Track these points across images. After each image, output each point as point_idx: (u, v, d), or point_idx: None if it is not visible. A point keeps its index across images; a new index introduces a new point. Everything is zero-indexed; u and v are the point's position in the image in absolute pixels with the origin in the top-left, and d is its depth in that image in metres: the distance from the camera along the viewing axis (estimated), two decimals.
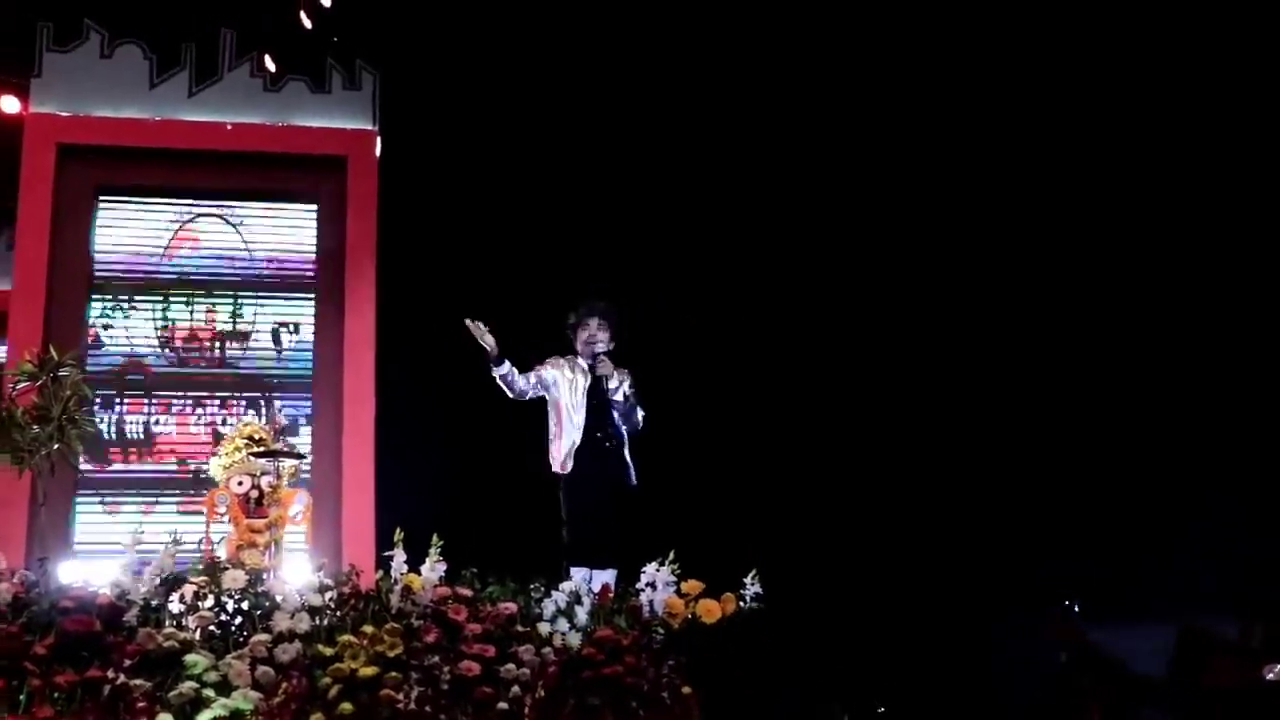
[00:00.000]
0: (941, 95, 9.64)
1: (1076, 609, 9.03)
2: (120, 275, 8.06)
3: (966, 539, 9.53)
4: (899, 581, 9.44)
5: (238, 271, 8.21)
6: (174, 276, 8.13)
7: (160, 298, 8.07)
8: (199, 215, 8.23)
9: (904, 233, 10.00)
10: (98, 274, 8.01)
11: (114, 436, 7.83)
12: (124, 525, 7.39)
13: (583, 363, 6.63)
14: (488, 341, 6.34)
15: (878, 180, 9.95)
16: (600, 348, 6.57)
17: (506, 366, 6.44)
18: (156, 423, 7.92)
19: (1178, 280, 9.71)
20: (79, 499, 7.63)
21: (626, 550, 6.10)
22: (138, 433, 7.89)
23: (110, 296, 8.01)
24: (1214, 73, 9.23)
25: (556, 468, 6.51)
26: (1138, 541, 9.41)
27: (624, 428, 6.55)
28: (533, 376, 6.54)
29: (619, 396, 6.51)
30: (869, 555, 9.50)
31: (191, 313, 8.11)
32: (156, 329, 8.04)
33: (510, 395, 6.55)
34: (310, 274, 8.25)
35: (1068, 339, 9.85)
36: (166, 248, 8.15)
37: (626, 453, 6.54)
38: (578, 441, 6.45)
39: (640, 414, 6.58)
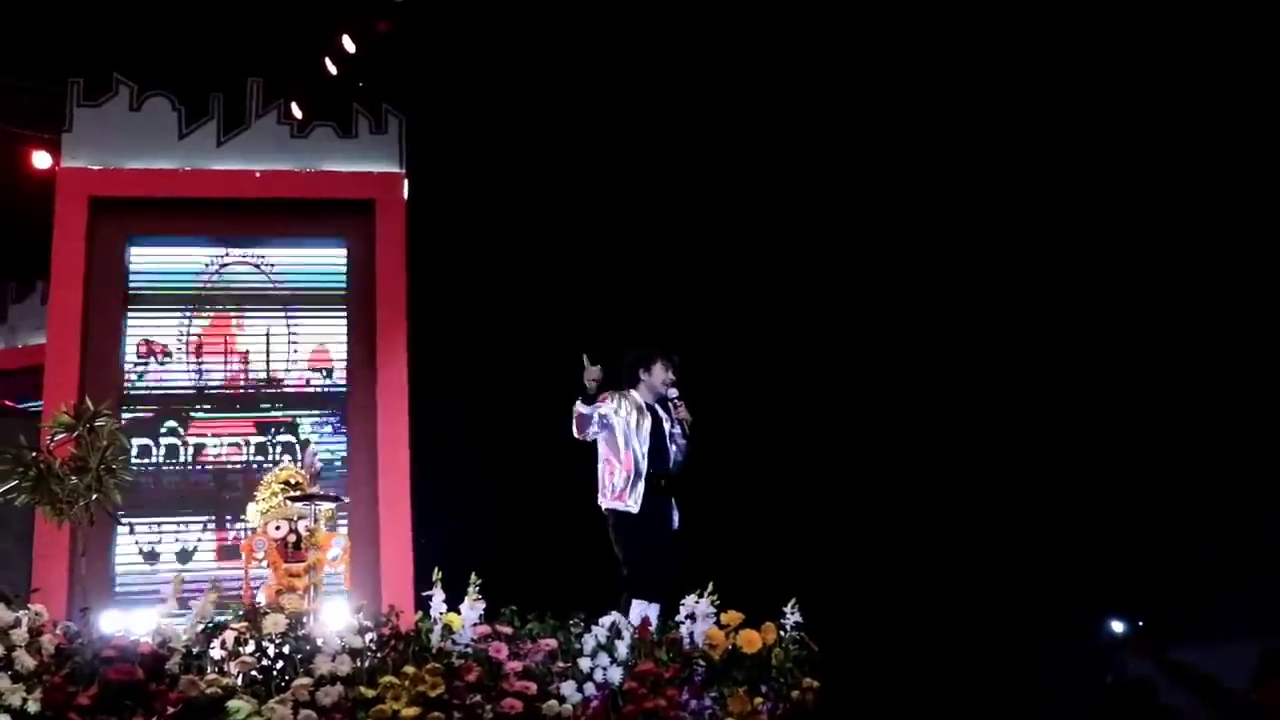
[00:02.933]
0: (959, 110, 9.62)
1: (1120, 634, 8.92)
2: (153, 324, 8.12)
3: (1015, 561, 9.43)
4: (944, 602, 9.34)
5: (270, 317, 8.25)
6: (207, 324, 8.18)
7: (194, 346, 8.12)
8: (230, 262, 8.29)
9: (944, 268, 9.96)
10: (131, 324, 8.07)
11: (151, 484, 7.86)
12: (163, 572, 7.42)
13: (639, 399, 6.61)
14: (594, 382, 6.36)
15: (919, 212, 9.93)
16: (675, 391, 6.58)
17: (594, 407, 6.44)
18: (193, 469, 7.95)
19: (1237, 286, 9.59)
20: (118, 548, 7.66)
21: (674, 587, 6.08)
22: (174, 481, 7.93)
23: (144, 346, 8.06)
24: (1214, 73, 9.18)
25: (613, 502, 6.46)
26: (1204, 559, 9.29)
27: (675, 467, 6.57)
28: (596, 415, 6.52)
29: (679, 432, 6.55)
30: (912, 576, 9.42)
31: (225, 361, 8.16)
32: (190, 377, 8.09)
33: (575, 433, 6.52)
34: (342, 317, 8.28)
35: (1131, 355, 9.74)
36: (199, 296, 8.21)
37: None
38: (642, 478, 6.45)
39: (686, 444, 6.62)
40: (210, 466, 7.97)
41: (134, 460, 7.52)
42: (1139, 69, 9.27)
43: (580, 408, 6.44)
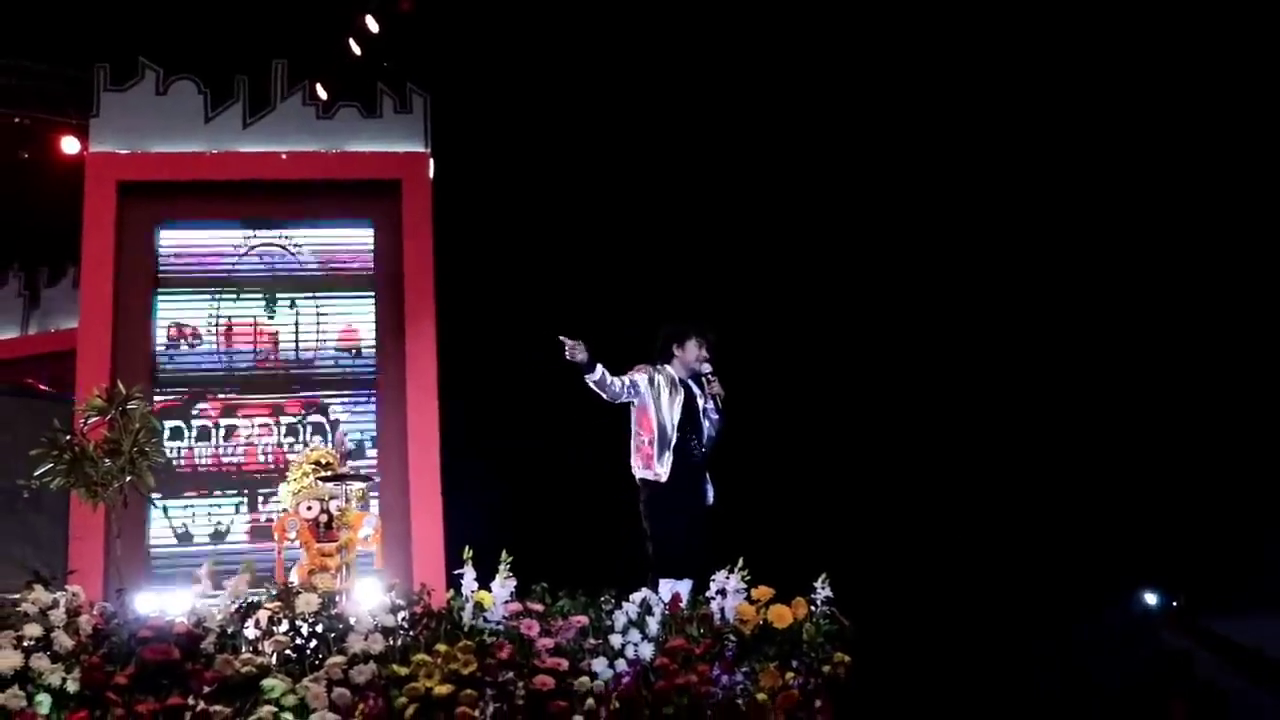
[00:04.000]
0: (969, 121, 9.56)
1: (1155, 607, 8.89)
2: (183, 307, 8.17)
3: (1050, 534, 9.39)
4: (977, 576, 9.32)
5: (299, 298, 8.28)
6: (236, 307, 8.22)
7: (223, 329, 8.17)
8: (258, 244, 8.32)
9: (980, 248, 9.90)
10: (161, 307, 8.12)
11: (184, 465, 7.93)
12: (197, 553, 7.49)
13: (673, 374, 6.61)
14: (579, 357, 6.36)
15: (945, 212, 9.88)
16: (709, 367, 6.59)
17: (599, 372, 6.42)
18: (225, 451, 8.01)
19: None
20: (153, 529, 7.73)
21: (706, 563, 6.09)
22: (206, 461, 7.99)
23: (175, 330, 8.11)
24: (1214, 73, 9.07)
25: (645, 473, 6.47)
26: (1243, 535, 9.22)
27: (707, 443, 6.57)
28: (626, 380, 6.52)
29: (712, 407, 6.54)
30: (945, 549, 9.39)
31: (255, 345, 8.20)
32: (220, 360, 8.14)
33: (605, 398, 6.53)
34: (370, 297, 8.30)
35: (1174, 333, 9.66)
36: (228, 279, 8.25)
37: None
38: (671, 455, 6.46)
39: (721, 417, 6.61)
40: (242, 448, 8.02)
41: (166, 442, 7.57)
42: (1139, 69, 9.18)
43: (588, 380, 6.45)
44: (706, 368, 6.59)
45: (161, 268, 8.17)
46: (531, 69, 9.81)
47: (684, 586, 6.00)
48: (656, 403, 6.50)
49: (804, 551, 6.17)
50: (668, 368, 6.64)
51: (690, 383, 6.61)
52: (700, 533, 6.38)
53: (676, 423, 6.48)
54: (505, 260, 9.72)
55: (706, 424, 6.58)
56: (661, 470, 6.41)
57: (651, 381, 6.54)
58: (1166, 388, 9.73)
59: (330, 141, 8.34)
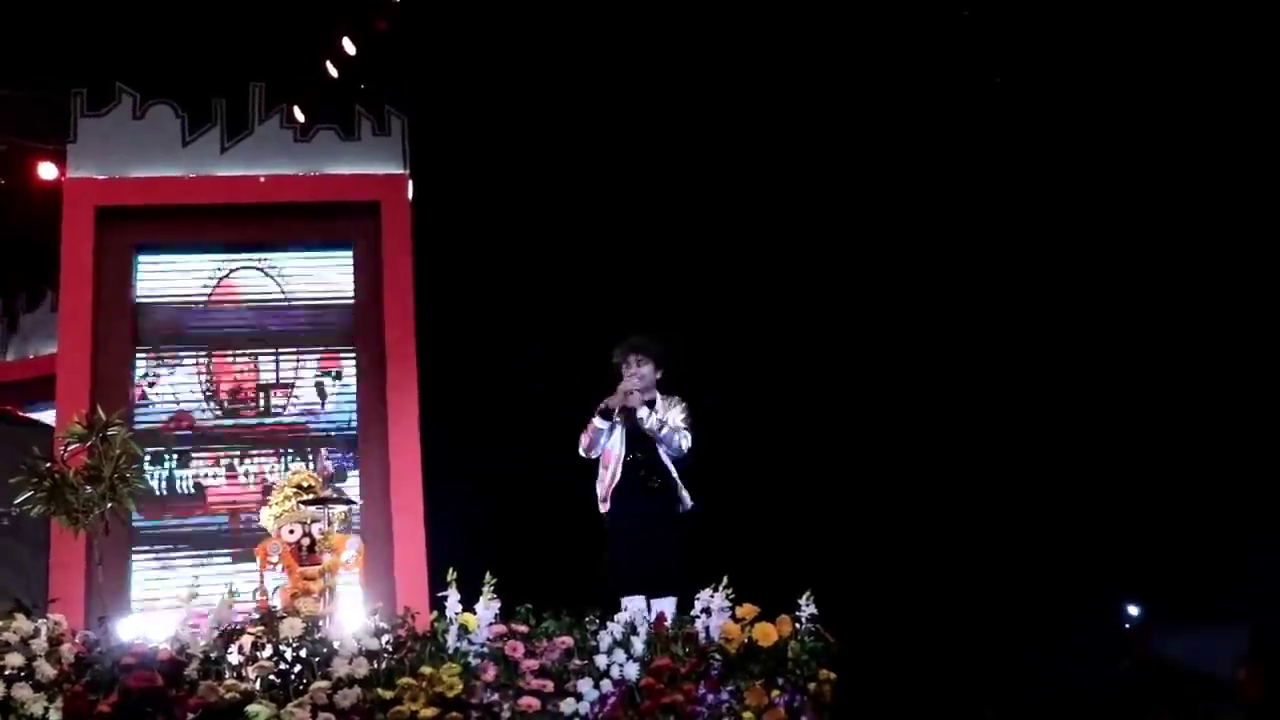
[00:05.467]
0: (971, 99, 9.62)
1: (1137, 617, 8.94)
2: (162, 333, 8.14)
3: (1032, 548, 9.42)
4: (960, 591, 9.34)
5: (278, 321, 8.27)
6: (215, 331, 8.20)
7: (203, 353, 8.15)
8: (237, 268, 8.31)
9: (963, 258, 9.95)
10: (141, 332, 8.10)
11: (165, 492, 7.89)
12: (179, 579, 7.45)
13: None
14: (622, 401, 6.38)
15: (931, 210, 9.92)
16: (636, 382, 6.52)
17: (609, 424, 6.47)
18: (206, 476, 7.98)
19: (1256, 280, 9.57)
20: (134, 556, 7.69)
21: (675, 578, 6.07)
22: (188, 487, 7.95)
23: (154, 354, 8.09)
24: (1214, 73, 9.16)
25: (600, 507, 6.51)
26: (1211, 545, 9.27)
27: (668, 456, 6.52)
28: (609, 429, 6.52)
29: (651, 424, 6.44)
30: (928, 564, 9.42)
31: (235, 365, 8.18)
32: (201, 384, 8.12)
33: (584, 448, 6.55)
34: (350, 319, 8.29)
35: (1130, 344, 9.73)
36: (207, 303, 8.24)
37: (670, 482, 6.46)
38: (618, 475, 6.45)
39: (681, 439, 6.48)
40: (222, 471, 7.99)
41: (148, 466, 7.54)
42: (1139, 69, 9.26)
43: (598, 421, 6.46)
44: (636, 382, 6.51)
45: (140, 292, 8.15)
46: (509, 89, 9.84)
47: (667, 604, 5.98)
48: (610, 433, 6.50)
49: (788, 568, 6.18)
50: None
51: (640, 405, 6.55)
52: (655, 549, 6.29)
53: (619, 442, 6.47)
54: (486, 280, 9.73)
55: (661, 448, 6.47)
56: (606, 498, 6.44)
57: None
58: (1148, 397, 9.79)
59: (308, 164, 8.34)
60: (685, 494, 6.50)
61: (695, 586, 5.75)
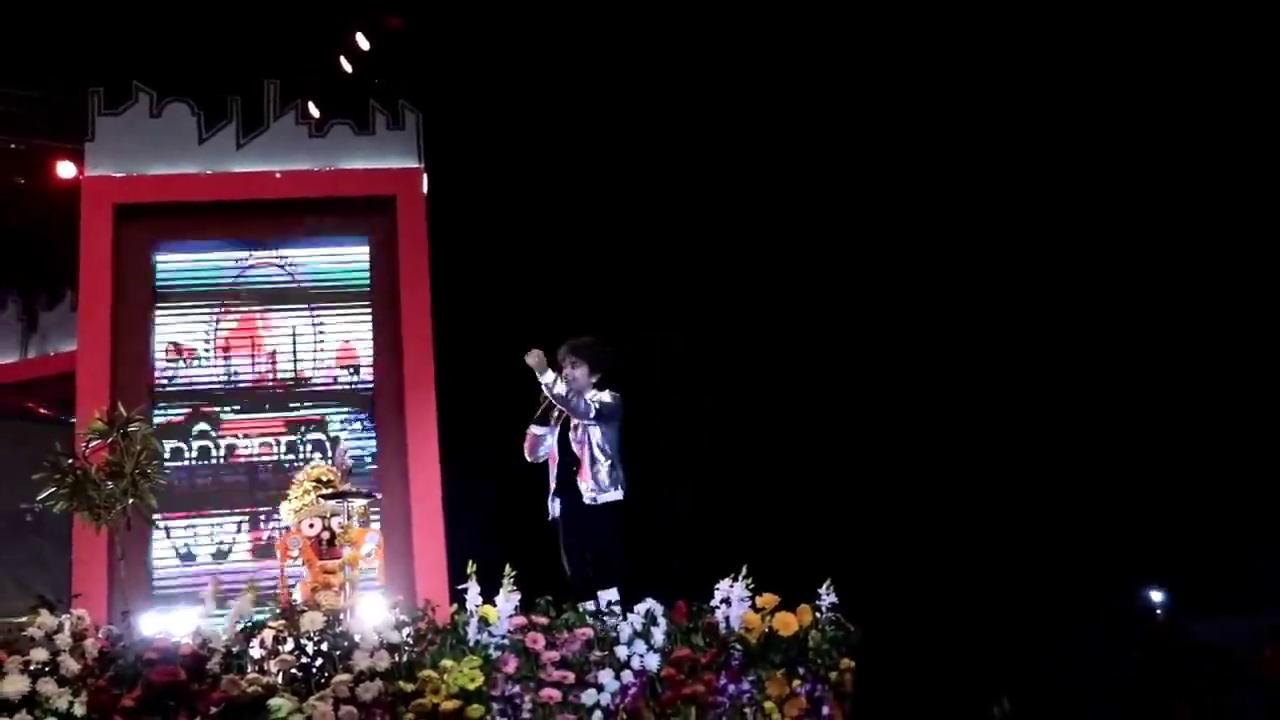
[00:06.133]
0: (977, 94, 9.57)
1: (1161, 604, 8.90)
2: (181, 328, 8.18)
3: (1053, 535, 9.38)
4: (981, 580, 9.30)
5: (296, 316, 8.30)
6: (234, 325, 8.23)
7: (221, 348, 8.18)
8: (254, 264, 8.34)
9: (967, 261, 9.90)
10: (159, 328, 8.13)
11: (185, 486, 7.93)
12: (200, 573, 7.49)
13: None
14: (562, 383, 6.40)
15: (949, 212, 9.89)
16: (575, 386, 6.50)
17: (546, 429, 6.53)
18: (226, 470, 8.01)
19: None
20: (155, 550, 7.73)
21: (613, 568, 6.06)
22: (207, 481, 7.99)
23: (173, 350, 8.12)
24: (1214, 73, 9.09)
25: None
26: (1236, 533, 9.22)
27: (585, 450, 6.45)
28: (549, 436, 6.59)
29: (558, 390, 6.35)
30: (948, 553, 9.38)
31: (253, 361, 8.21)
32: (219, 379, 8.15)
33: (527, 455, 6.66)
34: (366, 313, 8.31)
35: (1146, 335, 9.66)
36: (224, 298, 8.26)
37: (601, 472, 6.40)
38: (554, 481, 6.52)
39: (587, 404, 6.39)
40: (242, 466, 8.03)
41: (167, 462, 7.58)
42: (1140, 69, 9.20)
43: (534, 428, 6.52)
44: (576, 385, 6.51)
45: (159, 288, 8.18)
46: (522, 82, 9.82)
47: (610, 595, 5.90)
48: (547, 439, 6.57)
49: (809, 558, 6.17)
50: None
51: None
52: (591, 550, 6.29)
53: (559, 453, 6.52)
54: (501, 273, 9.72)
55: (572, 415, 6.45)
56: (553, 502, 6.50)
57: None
58: (1168, 379, 9.73)
59: (324, 159, 8.36)
60: (609, 484, 6.42)
61: (636, 575, 5.75)
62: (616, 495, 6.37)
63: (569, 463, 6.46)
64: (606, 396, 6.52)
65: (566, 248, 9.72)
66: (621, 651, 5.25)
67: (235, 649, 4.91)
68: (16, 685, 4.62)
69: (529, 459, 6.62)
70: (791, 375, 9.76)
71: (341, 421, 8.18)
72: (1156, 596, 9.74)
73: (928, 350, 9.83)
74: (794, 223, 9.92)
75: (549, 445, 6.54)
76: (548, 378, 6.37)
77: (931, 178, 9.86)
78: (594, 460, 6.39)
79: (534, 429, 6.54)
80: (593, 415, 6.40)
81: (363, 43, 9.41)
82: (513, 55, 9.63)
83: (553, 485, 6.51)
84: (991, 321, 9.75)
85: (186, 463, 7.96)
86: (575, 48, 9.43)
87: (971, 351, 9.77)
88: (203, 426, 8.05)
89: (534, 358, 6.37)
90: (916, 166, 9.80)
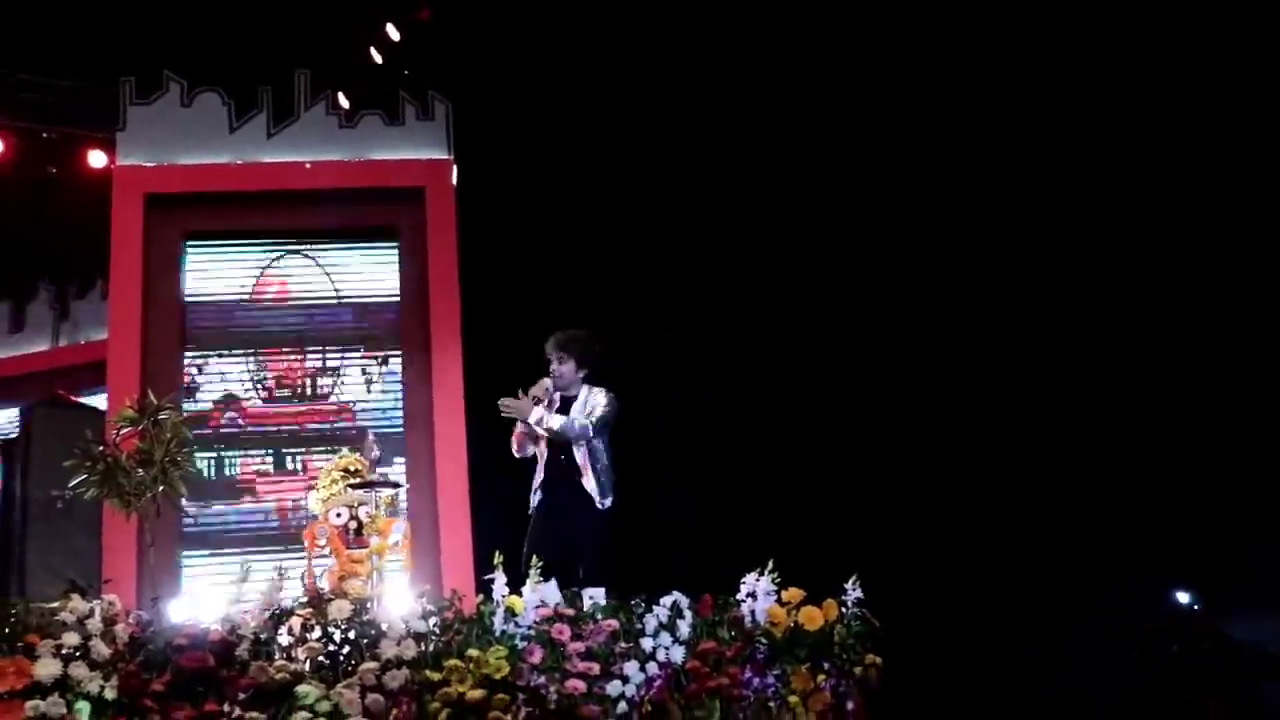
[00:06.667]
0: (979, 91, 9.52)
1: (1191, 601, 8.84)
2: (211, 318, 8.22)
3: (1079, 532, 9.33)
4: (1006, 576, 9.27)
5: (324, 307, 8.33)
6: (263, 315, 8.27)
7: (250, 337, 8.21)
8: (284, 255, 8.37)
9: (980, 254, 9.86)
10: (190, 319, 8.18)
11: (214, 476, 7.97)
12: (230, 561, 7.53)
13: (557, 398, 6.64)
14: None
15: (954, 207, 9.86)
16: (561, 382, 6.58)
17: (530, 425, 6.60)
18: (255, 459, 8.05)
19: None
20: (185, 537, 7.78)
21: (595, 570, 6.08)
22: (236, 471, 8.04)
23: (203, 340, 8.17)
24: (1214, 72, 9.01)
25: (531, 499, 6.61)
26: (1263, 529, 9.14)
27: (580, 452, 6.49)
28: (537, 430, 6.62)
29: (548, 425, 6.46)
30: (974, 549, 9.35)
31: (282, 351, 8.24)
32: (248, 369, 8.19)
33: (514, 451, 6.74)
34: (395, 303, 8.34)
35: (1160, 333, 9.59)
36: (254, 289, 8.30)
37: (588, 479, 6.46)
38: (541, 476, 6.56)
39: (580, 428, 6.46)
40: (270, 456, 8.06)
41: (196, 452, 7.61)
42: (1140, 69, 9.13)
43: (522, 426, 6.57)
44: (561, 382, 6.60)
45: (189, 278, 8.22)
46: (552, 73, 9.83)
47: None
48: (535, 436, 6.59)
49: (835, 552, 6.16)
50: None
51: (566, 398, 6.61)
52: (572, 545, 6.31)
53: (548, 450, 6.56)
54: (530, 264, 9.74)
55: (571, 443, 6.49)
56: (535, 494, 6.56)
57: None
58: (1173, 388, 9.65)
59: (353, 150, 8.38)
60: (597, 491, 6.47)
61: (619, 578, 5.77)
62: (605, 503, 6.45)
63: (557, 460, 6.50)
64: (601, 398, 6.55)
65: (566, 247, 9.73)
66: (647, 644, 5.25)
67: (263, 636, 4.94)
68: (49, 668, 4.66)
69: (516, 454, 6.67)
70: (791, 375, 9.75)
71: (369, 413, 8.20)
72: (1183, 597, 9.67)
73: (929, 350, 9.80)
74: (794, 223, 9.90)
75: (533, 446, 6.61)
76: (534, 416, 6.43)
77: (931, 178, 9.82)
78: (583, 469, 6.46)
79: (522, 426, 6.57)
80: (591, 435, 6.47)
81: (393, 33, 9.43)
82: (543, 45, 9.65)
83: (538, 479, 6.55)
84: (993, 321, 9.71)
85: (216, 454, 8.01)
86: (575, 47, 9.43)
87: (973, 351, 9.72)
88: (232, 416, 8.09)
89: (512, 410, 6.49)
90: (916, 166, 9.76)
